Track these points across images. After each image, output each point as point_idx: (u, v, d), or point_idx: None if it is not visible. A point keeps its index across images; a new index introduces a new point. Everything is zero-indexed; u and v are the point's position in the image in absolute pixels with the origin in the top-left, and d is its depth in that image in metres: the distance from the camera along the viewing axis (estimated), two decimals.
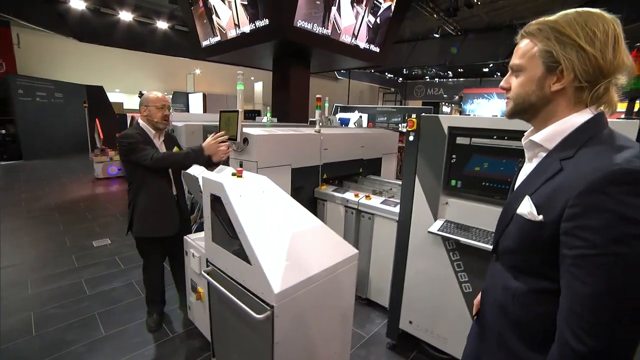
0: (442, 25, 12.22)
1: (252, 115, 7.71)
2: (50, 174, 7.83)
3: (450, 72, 19.12)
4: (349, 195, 2.68)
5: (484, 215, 1.71)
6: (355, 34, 5.42)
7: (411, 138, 1.90)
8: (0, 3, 8.82)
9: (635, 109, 5.59)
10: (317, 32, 4.82)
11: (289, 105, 6.07)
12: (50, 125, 10.22)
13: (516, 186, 0.84)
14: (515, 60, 0.77)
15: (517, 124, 1.61)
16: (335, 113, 15.80)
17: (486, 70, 17.25)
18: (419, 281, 1.99)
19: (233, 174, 1.64)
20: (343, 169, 3.22)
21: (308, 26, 4.65)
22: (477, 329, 0.99)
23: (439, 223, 1.80)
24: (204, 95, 13.15)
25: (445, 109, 20.60)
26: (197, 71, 15.66)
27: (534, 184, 0.73)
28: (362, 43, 5.69)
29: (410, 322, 2.08)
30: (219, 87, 16.67)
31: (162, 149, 2.19)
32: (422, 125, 1.86)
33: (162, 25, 12.32)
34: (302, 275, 1.38)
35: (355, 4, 5.13)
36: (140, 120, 2.14)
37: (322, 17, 4.76)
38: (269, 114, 5.70)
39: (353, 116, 12.55)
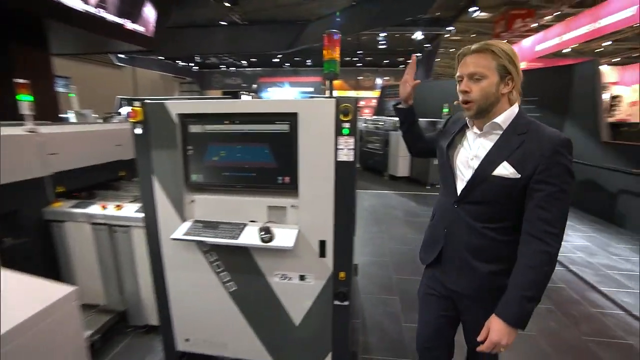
0: (228, 13, 12.16)
1: None
2: None
3: (245, 62, 19.63)
4: (94, 209, 2.08)
5: (230, 207, 1.60)
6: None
7: (139, 131, 1.56)
8: None
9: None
10: None
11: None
12: None
13: (469, 155, 1.14)
14: (476, 69, 1.04)
15: (244, 107, 1.55)
16: (120, 107, 13.19)
17: (276, 60, 18.75)
18: (185, 293, 1.74)
19: None
20: (92, 176, 2.52)
21: None
22: (435, 271, 1.31)
23: (187, 225, 1.58)
24: None
25: (245, 97, 21.21)
26: None
27: (503, 153, 1.05)
28: (121, 20, 4.71)
29: (188, 340, 1.82)
30: None
31: None
32: (150, 115, 1.55)
33: None
34: None
35: None
36: None
37: None
38: None
39: None
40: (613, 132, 5.01)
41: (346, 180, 1.46)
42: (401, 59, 17.83)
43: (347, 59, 17.80)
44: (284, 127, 1.49)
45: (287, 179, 1.53)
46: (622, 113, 12.54)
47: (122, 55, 13.91)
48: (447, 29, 10.29)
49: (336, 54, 1.42)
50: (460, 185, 1.16)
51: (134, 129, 1.56)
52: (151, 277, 1.75)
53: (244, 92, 20.51)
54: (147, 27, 5.21)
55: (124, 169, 2.83)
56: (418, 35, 10.86)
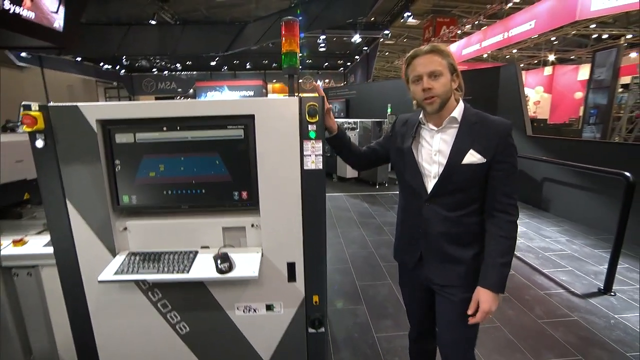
0: (158, 12, 11.16)
1: None
2: None
3: (179, 65, 18.32)
4: None
5: (176, 232, 1.31)
6: None
7: (40, 144, 1.19)
8: None
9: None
10: None
11: None
12: None
13: (431, 151, 1.19)
14: (435, 67, 1.12)
15: (187, 110, 1.26)
16: None
17: (214, 63, 17.80)
18: (120, 343, 1.39)
19: None
20: None
21: None
22: (416, 269, 1.31)
23: (119, 260, 1.24)
24: None
25: None
26: None
27: (468, 142, 1.13)
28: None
29: None
30: None
31: None
32: (57, 122, 1.19)
33: None
34: None
35: None
36: None
37: None
38: None
39: None
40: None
41: (315, 191, 1.27)
42: (341, 62, 18.22)
43: None
44: (237, 132, 1.25)
45: (244, 194, 1.29)
46: (529, 111, 14.61)
47: (25, 55, 11.91)
48: (384, 32, 10.70)
49: (295, 45, 1.23)
50: (428, 182, 1.20)
51: (33, 142, 1.18)
52: (71, 330, 1.37)
53: (181, 97, 19.13)
54: (45, 15, 4.28)
55: (29, 191, 2.28)
56: (356, 38, 11.12)
